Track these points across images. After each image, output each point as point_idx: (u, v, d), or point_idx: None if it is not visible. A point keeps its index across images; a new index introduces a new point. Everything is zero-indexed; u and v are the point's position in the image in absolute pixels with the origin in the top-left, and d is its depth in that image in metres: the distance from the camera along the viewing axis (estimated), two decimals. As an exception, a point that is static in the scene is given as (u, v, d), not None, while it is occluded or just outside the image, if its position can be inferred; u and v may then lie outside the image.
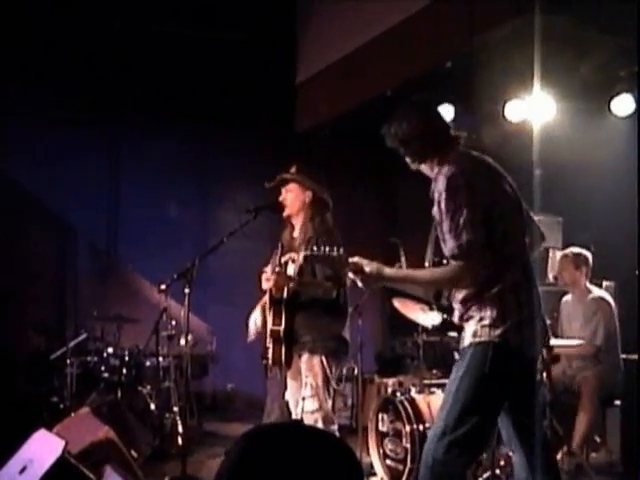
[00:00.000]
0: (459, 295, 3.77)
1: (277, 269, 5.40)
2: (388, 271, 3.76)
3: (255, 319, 5.67)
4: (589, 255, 7.03)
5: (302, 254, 3.92)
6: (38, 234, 10.40)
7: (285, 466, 1.90)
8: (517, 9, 7.38)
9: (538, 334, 3.83)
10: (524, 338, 3.68)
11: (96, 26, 9.81)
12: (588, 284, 7.07)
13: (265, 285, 5.37)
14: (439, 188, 3.68)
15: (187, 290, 5.28)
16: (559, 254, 7.25)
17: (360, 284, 3.78)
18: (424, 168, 3.95)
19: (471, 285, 3.70)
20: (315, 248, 3.87)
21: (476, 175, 3.71)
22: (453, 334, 4.16)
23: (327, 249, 3.81)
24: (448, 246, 3.62)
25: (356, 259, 3.77)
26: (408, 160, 4.01)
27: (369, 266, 3.74)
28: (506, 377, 3.69)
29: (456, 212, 3.58)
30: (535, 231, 4.08)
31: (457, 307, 3.82)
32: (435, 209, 3.71)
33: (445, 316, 4.00)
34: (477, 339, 3.66)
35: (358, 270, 3.74)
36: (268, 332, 5.38)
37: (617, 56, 7.48)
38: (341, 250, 3.80)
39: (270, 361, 5.44)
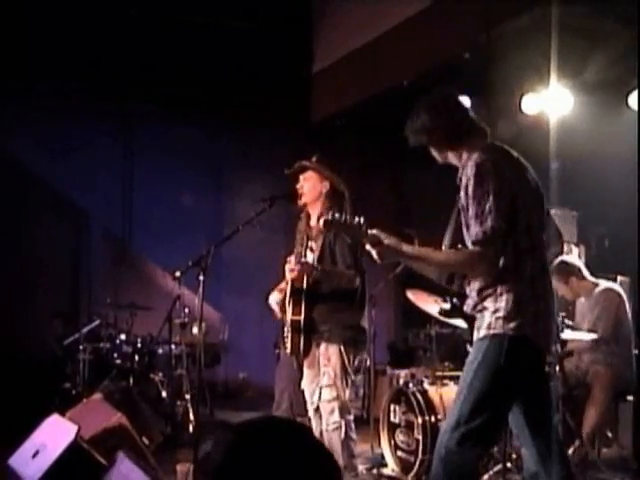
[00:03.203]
0: (475, 284, 3.75)
1: (302, 259, 5.40)
2: (405, 247, 3.73)
3: (275, 299, 5.67)
4: (569, 257, 6.99)
5: (323, 219, 3.86)
6: (52, 221, 10.43)
7: (262, 461, 1.90)
8: (534, 1, 7.35)
9: (552, 328, 3.83)
10: (539, 331, 3.67)
11: (111, 14, 9.80)
12: (592, 279, 7.02)
13: (289, 275, 5.38)
14: (467, 174, 3.67)
15: (202, 278, 5.26)
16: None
17: (376, 257, 3.75)
18: (451, 157, 3.93)
19: (486, 273, 3.69)
20: (337, 215, 3.84)
21: (504, 165, 3.70)
22: (462, 324, 4.12)
23: (348, 217, 3.80)
24: (471, 231, 3.61)
25: (375, 231, 3.75)
26: (434, 153, 4.00)
27: (387, 239, 3.73)
28: (520, 370, 3.68)
29: (483, 198, 3.58)
30: (552, 229, 4.07)
31: (472, 296, 3.80)
32: (462, 194, 3.70)
33: (455, 301, 3.99)
34: (492, 331, 3.64)
35: (376, 242, 3.72)
36: (287, 322, 5.39)
37: (634, 49, 7.44)
38: (362, 220, 3.78)
39: (288, 350, 5.45)
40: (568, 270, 6.89)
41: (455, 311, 4.05)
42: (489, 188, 3.58)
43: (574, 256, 6.94)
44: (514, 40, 7.65)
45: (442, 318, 5.57)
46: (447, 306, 4.10)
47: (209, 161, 11.39)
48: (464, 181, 3.69)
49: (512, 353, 3.60)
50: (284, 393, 7.29)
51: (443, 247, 3.82)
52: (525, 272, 3.66)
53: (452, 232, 3.85)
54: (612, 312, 6.76)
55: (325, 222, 3.84)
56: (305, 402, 5.77)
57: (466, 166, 3.73)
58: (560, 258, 6.88)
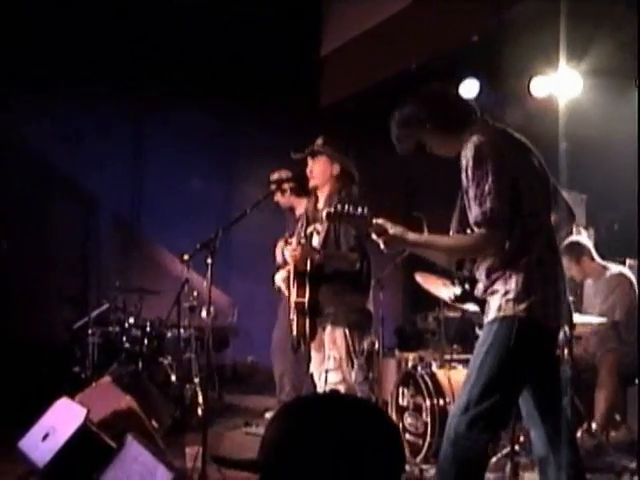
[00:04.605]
0: (483, 267, 3.74)
1: (302, 241, 5.41)
2: (411, 235, 3.71)
3: (282, 277, 5.70)
4: (581, 237, 6.98)
5: (325, 210, 3.84)
6: (62, 206, 10.45)
7: (324, 437, 1.92)
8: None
9: (563, 309, 3.80)
10: (549, 313, 3.64)
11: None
12: (601, 262, 7.01)
13: (289, 257, 5.39)
14: (467, 155, 3.64)
15: (210, 261, 5.26)
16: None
17: (382, 246, 3.72)
18: (453, 147, 3.89)
19: (495, 255, 3.67)
20: (339, 206, 3.81)
21: (504, 147, 3.67)
22: (474, 309, 4.11)
23: (351, 208, 3.76)
24: (472, 214, 3.58)
25: (380, 220, 3.72)
26: (433, 145, 3.96)
27: (393, 229, 3.70)
28: (530, 352, 3.65)
29: (482, 179, 3.55)
30: (564, 210, 4.04)
31: (481, 279, 3.78)
32: (463, 176, 3.67)
33: (466, 286, 3.98)
34: (502, 313, 3.61)
35: (382, 231, 3.69)
36: (292, 304, 5.40)
37: None
38: (366, 210, 3.75)
39: (294, 333, 5.45)
40: (580, 250, 6.90)
41: (467, 296, 4.04)
42: (487, 169, 3.55)
43: (584, 237, 6.94)
44: (523, 23, 7.61)
45: (455, 304, 5.60)
46: (458, 292, 4.09)
47: (218, 146, 11.39)
48: (464, 163, 3.66)
49: (522, 335, 3.57)
50: (284, 377, 7.31)
51: (451, 232, 3.81)
52: (533, 254, 3.62)
53: (458, 216, 3.83)
54: (627, 299, 6.76)
55: (328, 214, 3.80)
56: (307, 383, 5.79)
57: (465, 148, 3.69)
58: (572, 238, 6.89)
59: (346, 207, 3.78)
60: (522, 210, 3.61)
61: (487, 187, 3.53)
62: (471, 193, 3.60)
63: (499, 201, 3.52)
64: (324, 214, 3.84)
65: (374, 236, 3.74)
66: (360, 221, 3.77)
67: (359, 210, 3.76)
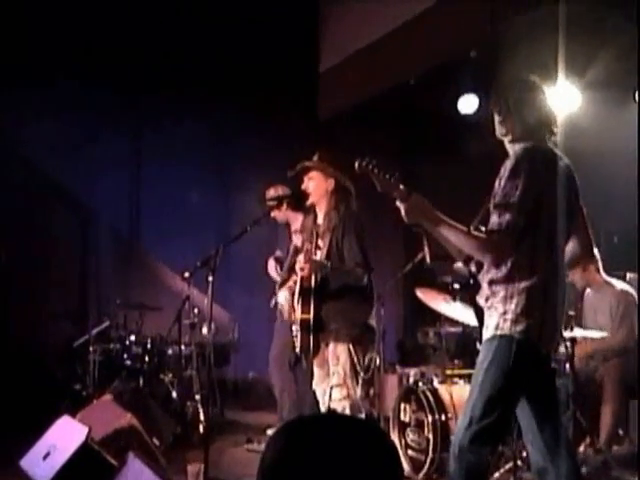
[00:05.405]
0: (488, 275, 3.80)
1: (312, 257, 5.42)
2: (433, 211, 3.75)
3: (285, 297, 5.71)
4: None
5: (357, 162, 3.84)
6: (60, 220, 10.41)
7: (324, 457, 1.92)
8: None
9: (557, 332, 3.91)
10: (545, 334, 3.73)
11: (117, 7, 9.76)
12: (605, 276, 7.01)
13: (299, 273, 5.41)
14: (506, 166, 3.72)
15: (210, 278, 5.27)
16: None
17: (403, 213, 3.76)
18: (507, 144, 3.97)
19: (493, 264, 3.74)
20: (373, 161, 3.80)
21: (542, 168, 3.72)
22: (473, 322, 4.12)
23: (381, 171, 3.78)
24: (491, 220, 3.66)
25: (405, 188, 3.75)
26: (499, 124, 3.99)
27: (417, 197, 3.75)
28: (527, 371, 3.74)
29: (510, 192, 3.62)
30: (586, 246, 4.09)
31: (484, 287, 3.85)
32: (496, 183, 3.73)
33: (471, 281, 4.00)
34: (499, 332, 3.70)
35: (405, 197, 3.74)
36: (297, 320, 5.41)
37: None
38: (396, 174, 3.76)
39: (297, 350, 5.45)
40: (590, 258, 6.90)
41: (463, 291, 4.07)
42: (518, 184, 3.61)
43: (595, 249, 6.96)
44: (521, 36, 7.63)
45: (448, 296, 5.61)
46: (457, 286, 4.12)
47: (216, 159, 11.36)
48: (501, 172, 3.73)
49: (520, 354, 3.65)
50: (284, 393, 7.30)
51: (471, 227, 3.82)
52: (539, 275, 3.69)
53: (480, 216, 3.86)
54: (634, 317, 6.75)
55: (359, 165, 3.81)
56: (309, 400, 5.78)
57: (510, 156, 3.78)
58: None
59: (376, 164, 3.80)
60: (537, 230, 3.68)
61: (512, 201, 3.60)
62: (497, 200, 3.67)
63: (517, 218, 3.60)
64: (356, 165, 3.85)
65: (397, 203, 3.78)
66: (387, 181, 3.78)
67: (389, 174, 3.78)
